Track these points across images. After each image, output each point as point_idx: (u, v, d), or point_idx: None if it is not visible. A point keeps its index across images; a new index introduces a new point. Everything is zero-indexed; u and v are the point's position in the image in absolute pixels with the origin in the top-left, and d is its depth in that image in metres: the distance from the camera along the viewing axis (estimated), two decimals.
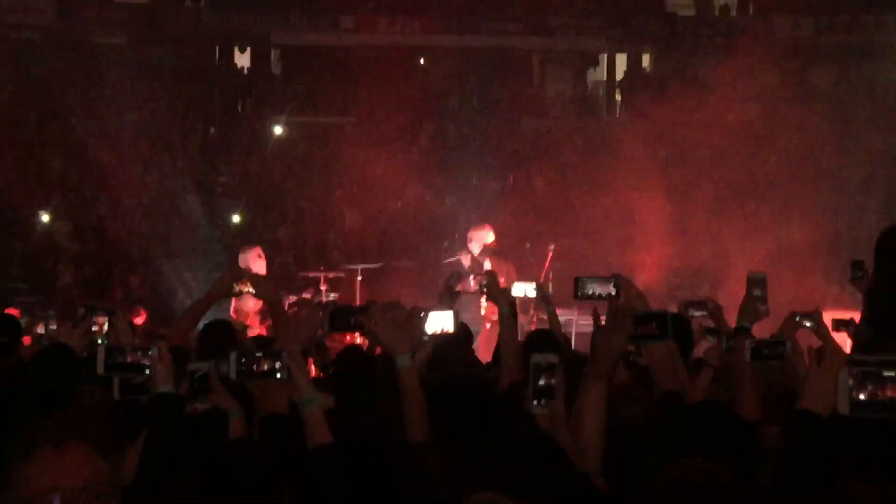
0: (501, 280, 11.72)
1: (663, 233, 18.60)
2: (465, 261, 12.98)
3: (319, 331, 5.35)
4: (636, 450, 4.08)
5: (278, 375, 3.87)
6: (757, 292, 5.37)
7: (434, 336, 5.72)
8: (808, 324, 5.22)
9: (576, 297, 4.68)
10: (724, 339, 5.13)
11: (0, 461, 3.82)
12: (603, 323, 4.13)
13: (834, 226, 20.19)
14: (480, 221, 14.17)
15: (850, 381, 2.78)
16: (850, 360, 3.33)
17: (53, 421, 3.07)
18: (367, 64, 25.95)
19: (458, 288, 5.95)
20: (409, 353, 4.44)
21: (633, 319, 4.09)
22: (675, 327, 4.33)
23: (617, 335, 4.01)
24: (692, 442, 3.71)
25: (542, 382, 3.67)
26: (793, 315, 5.20)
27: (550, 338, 6.49)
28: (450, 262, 13.98)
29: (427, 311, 5.77)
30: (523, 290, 7.90)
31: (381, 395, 4.78)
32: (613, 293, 4.52)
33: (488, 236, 13.02)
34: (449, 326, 5.78)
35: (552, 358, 3.73)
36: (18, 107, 23.09)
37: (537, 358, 3.74)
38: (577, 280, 4.65)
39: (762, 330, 5.33)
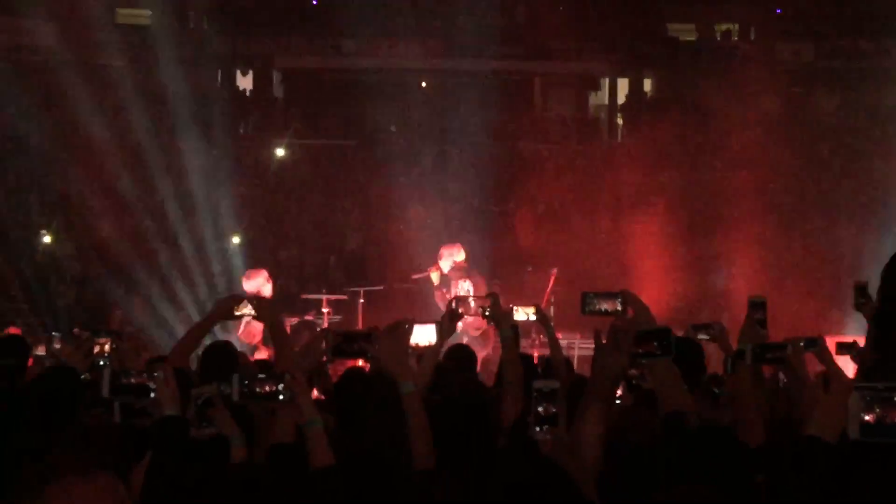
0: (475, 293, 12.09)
1: (665, 256, 18.62)
2: (434, 277, 13.39)
3: (323, 357, 5.34)
4: (640, 474, 4.06)
5: (281, 398, 3.86)
6: (757, 316, 5.37)
7: (431, 355, 5.72)
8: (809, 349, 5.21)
9: (583, 312, 4.66)
10: (728, 362, 5.12)
11: (8, 481, 3.80)
12: (604, 343, 4.10)
13: (836, 250, 20.21)
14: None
15: (860, 404, 2.76)
16: (858, 386, 3.32)
17: (64, 444, 3.06)
18: (368, 87, 26.01)
19: (461, 310, 5.95)
20: (412, 379, 4.43)
21: (635, 338, 4.07)
22: (685, 350, 4.31)
23: (617, 355, 3.98)
24: (693, 466, 3.69)
25: (543, 409, 3.66)
26: (795, 340, 5.19)
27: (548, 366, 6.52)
28: (418, 278, 14.38)
29: (412, 323, 5.78)
30: (525, 314, 7.91)
31: (382, 419, 4.75)
32: (620, 308, 4.50)
33: (459, 254, 13.49)
34: (432, 339, 5.81)
35: (554, 384, 3.71)
36: (20, 128, 23.11)
37: (539, 384, 3.72)
38: (584, 295, 4.63)
39: None
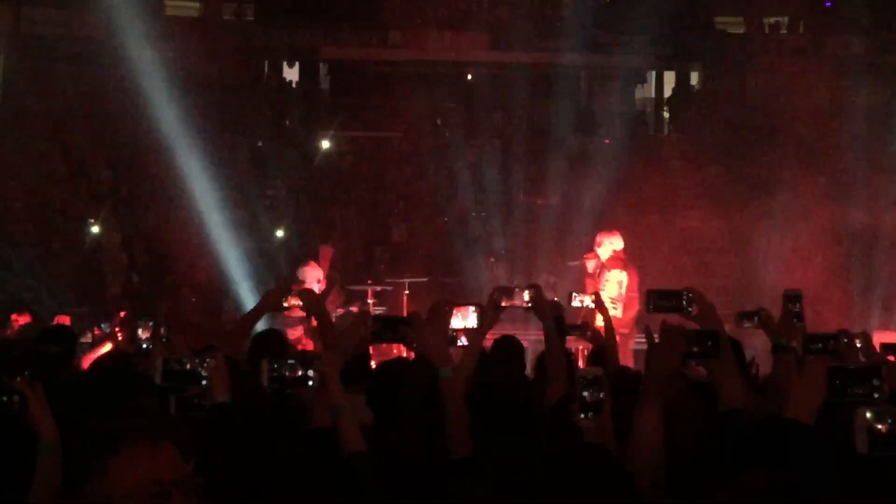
0: (628, 287, 11.83)
1: (713, 250, 18.54)
2: (590, 265, 12.84)
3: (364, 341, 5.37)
4: (693, 467, 4.07)
5: (310, 383, 3.87)
6: (793, 309, 5.37)
7: (473, 346, 5.72)
8: (858, 343, 5.21)
9: (647, 310, 4.67)
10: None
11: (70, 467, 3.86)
12: (656, 342, 4.12)
13: (884, 246, 20.02)
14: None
15: (869, 416, 2.75)
16: (830, 368, 3.35)
17: (125, 425, 3.10)
18: (414, 79, 26.04)
19: (505, 303, 5.92)
20: (451, 364, 4.44)
21: (686, 338, 4.08)
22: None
23: (670, 354, 4.00)
24: (754, 460, 3.69)
25: (587, 395, 3.67)
26: (845, 332, 5.20)
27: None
28: (574, 265, 13.77)
29: (451, 304, 5.77)
30: (579, 300, 7.91)
31: (419, 406, 4.76)
32: (685, 305, 4.50)
33: (618, 242, 12.78)
34: (473, 323, 5.79)
35: (598, 371, 3.74)
36: (69, 120, 23.35)
37: (582, 371, 3.75)
38: (648, 292, 4.64)
39: None
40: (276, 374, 3.86)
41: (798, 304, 5.37)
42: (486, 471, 4.00)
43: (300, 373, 3.86)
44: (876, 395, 3.24)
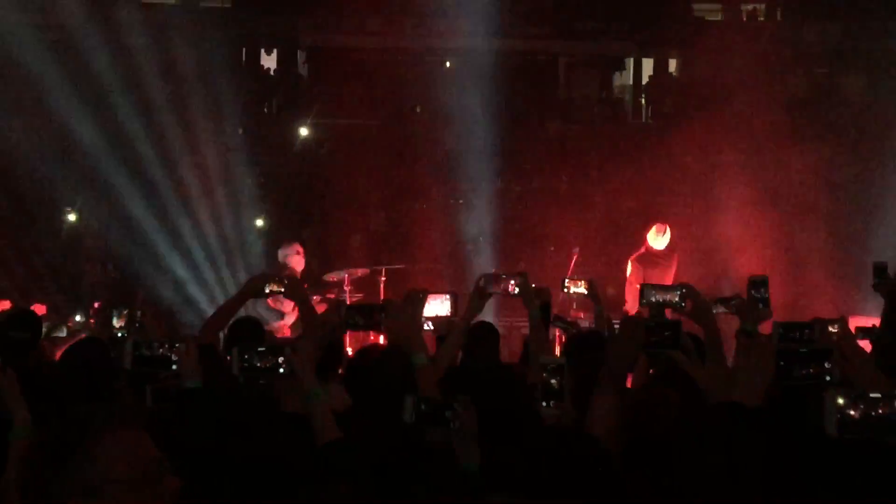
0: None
1: (688, 237, 18.56)
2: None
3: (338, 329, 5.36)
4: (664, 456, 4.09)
5: (281, 370, 3.87)
6: (758, 294, 5.40)
7: (456, 333, 5.72)
8: (831, 329, 5.23)
9: (641, 304, 4.70)
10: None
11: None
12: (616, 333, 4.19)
13: (860, 233, 20.11)
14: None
15: (841, 401, 2.76)
16: (778, 351, 3.38)
17: (103, 410, 3.10)
18: (393, 66, 25.99)
19: (490, 290, 5.94)
20: (424, 350, 4.45)
21: (647, 329, 4.13)
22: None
23: (629, 344, 4.05)
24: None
25: (550, 384, 3.70)
26: (819, 321, 5.22)
27: (598, 338, 6.53)
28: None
29: (425, 293, 5.78)
30: (573, 286, 7.95)
31: (394, 394, 4.76)
32: (678, 300, 4.52)
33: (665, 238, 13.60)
34: (446, 311, 5.81)
35: (560, 360, 3.78)
36: (45, 106, 23.22)
37: (545, 360, 3.77)
38: (643, 287, 4.67)
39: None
40: (246, 362, 3.86)
41: (763, 290, 5.40)
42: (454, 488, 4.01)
43: (271, 361, 3.87)
44: (828, 378, 3.26)
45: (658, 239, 14.12)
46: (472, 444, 3.93)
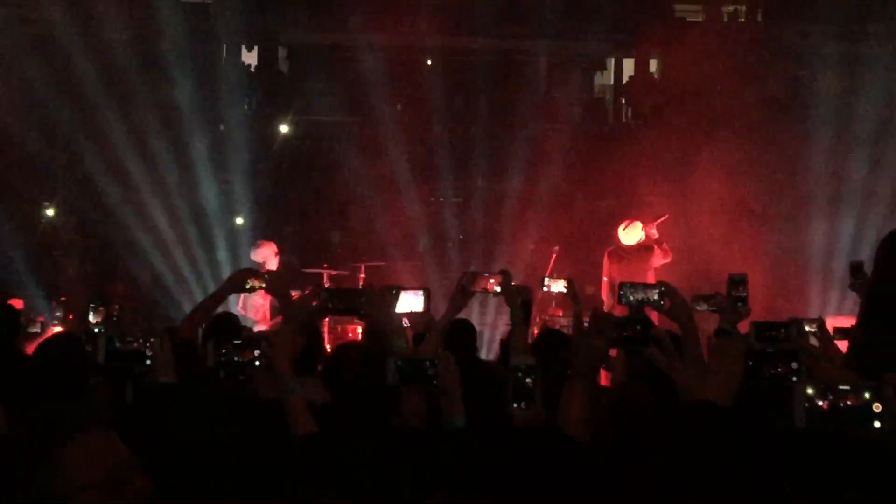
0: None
1: (668, 237, 18.59)
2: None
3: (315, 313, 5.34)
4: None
5: (257, 363, 3.85)
6: (737, 293, 5.41)
7: (437, 330, 5.72)
8: (809, 329, 5.24)
9: (619, 302, 4.71)
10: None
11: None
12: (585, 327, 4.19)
13: (837, 233, 20.21)
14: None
15: (810, 391, 2.77)
16: (748, 352, 3.40)
17: (73, 411, 3.10)
18: (373, 64, 25.95)
19: (473, 289, 5.94)
20: (403, 335, 4.45)
21: (616, 324, 4.15)
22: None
23: (598, 339, 4.07)
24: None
25: (521, 385, 3.71)
26: (795, 321, 5.24)
27: (562, 337, 6.52)
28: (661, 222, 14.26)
29: (399, 289, 5.78)
30: (551, 284, 7.95)
31: (372, 386, 4.75)
32: (656, 298, 4.53)
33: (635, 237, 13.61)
34: (419, 307, 5.81)
35: (530, 360, 3.78)
36: (24, 101, 23.11)
37: (517, 360, 3.78)
38: (621, 285, 4.67)
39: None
40: (223, 356, 3.84)
41: (742, 288, 5.42)
42: (439, 447, 4.01)
43: (247, 354, 3.85)
44: (794, 379, 3.27)
45: (626, 235, 14.14)
46: (457, 399, 3.99)
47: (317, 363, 6.26)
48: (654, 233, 14.45)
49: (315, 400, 4.26)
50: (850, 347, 5.46)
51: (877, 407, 2.71)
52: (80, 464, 2.62)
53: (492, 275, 5.91)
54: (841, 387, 2.75)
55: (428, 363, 3.93)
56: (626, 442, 4.28)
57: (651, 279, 12.55)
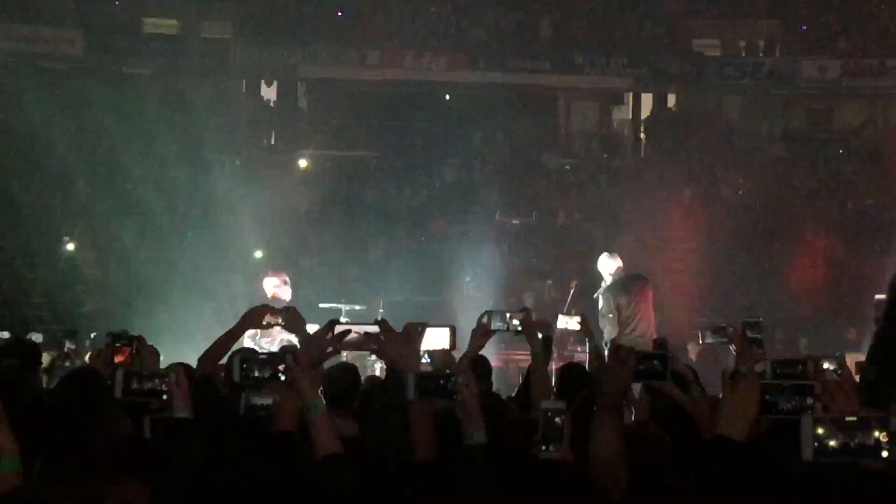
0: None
1: (687, 272, 18.60)
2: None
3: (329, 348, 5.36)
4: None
5: (281, 378, 3.86)
6: (752, 336, 5.43)
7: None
8: (829, 366, 5.21)
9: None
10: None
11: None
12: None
13: (857, 269, 20.10)
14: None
15: (820, 431, 2.77)
16: (763, 387, 3.41)
17: (94, 448, 3.10)
18: (392, 99, 26.08)
19: (493, 327, 5.92)
20: (417, 370, 4.44)
21: (636, 357, 4.16)
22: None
23: (620, 372, 4.07)
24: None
25: (550, 426, 3.71)
26: (811, 358, 5.23)
27: (583, 371, 6.52)
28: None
29: (424, 327, 5.78)
30: (565, 322, 7.90)
31: (386, 412, 4.76)
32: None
33: (614, 264, 12.72)
34: (445, 343, 5.81)
35: (560, 404, 3.79)
36: (45, 135, 23.27)
37: (547, 404, 3.79)
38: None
39: None
40: (247, 372, 3.86)
41: (757, 331, 5.44)
42: (449, 474, 4.00)
43: (270, 370, 3.87)
44: (810, 413, 3.27)
45: (605, 266, 13.24)
46: (476, 414, 3.98)
47: (353, 399, 6.24)
48: None
49: (343, 432, 4.27)
50: (860, 382, 5.45)
51: (884, 437, 2.71)
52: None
53: (513, 313, 5.91)
54: (848, 419, 2.75)
55: (446, 378, 3.96)
56: (644, 480, 4.25)
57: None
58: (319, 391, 4.05)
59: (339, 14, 26.72)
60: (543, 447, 3.70)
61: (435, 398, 4.00)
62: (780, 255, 20.80)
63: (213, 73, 25.39)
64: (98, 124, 22.89)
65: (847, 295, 18.68)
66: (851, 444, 2.73)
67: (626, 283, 12.61)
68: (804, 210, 22.22)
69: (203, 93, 24.90)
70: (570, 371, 6.67)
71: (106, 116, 22.62)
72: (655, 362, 4.20)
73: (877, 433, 2.72)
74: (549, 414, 3.71)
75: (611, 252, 13.12)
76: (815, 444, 2.74)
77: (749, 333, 5.43)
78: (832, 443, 2.74)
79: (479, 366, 7.18)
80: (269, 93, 28.51)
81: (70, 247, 20.94)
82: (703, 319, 17.77)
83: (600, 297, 12.64)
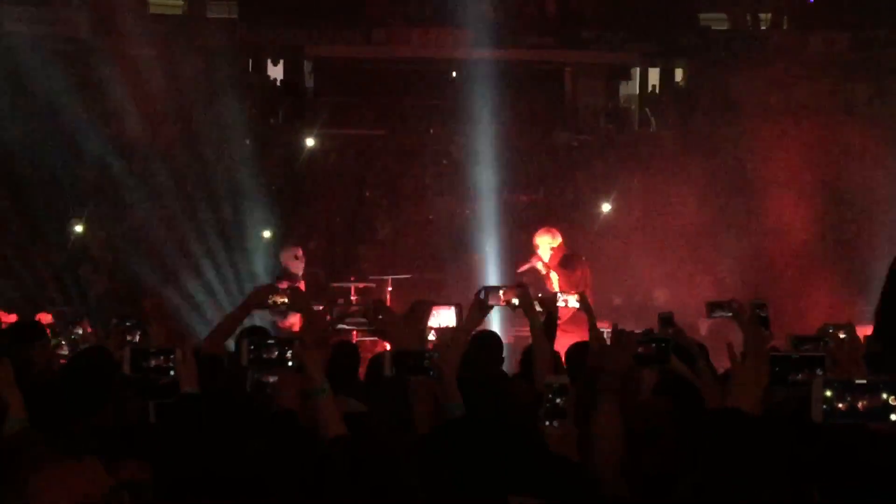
0: (580, 285, 11.50)
1: (697, 246, 18.59)
2: (540, 267, 12.46)
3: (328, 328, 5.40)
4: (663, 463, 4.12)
5: (290, 364, 3.89)
6: (760, 314, 5.45)
7: (456, 345, 5.72)
8: (842, 335, 5.24)
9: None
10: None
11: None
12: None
13: (867, 241, 20.08)
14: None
15: (828, 393, 2.80)
16: (772, 357, 3.43)
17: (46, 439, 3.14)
18: (398, 76, 26.05)
19: (490, 302, 5.92)
20: (417, 347, 4.50)
21: (637, 340, 4.22)
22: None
23: (621, 354, 4.14)
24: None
25: (554, 403, 3.73)
26: (826, 326, 5.26)
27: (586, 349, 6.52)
28: (524, 272, 13.28)
29: (430, 305, 5.81)
30: (563, 300, 7.88)
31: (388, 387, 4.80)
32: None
33: (554, 240, 12.45)
34: (451, 322, 5.84)
35: (564, 379, 3.81)
36: (53, 117, 23.29)
37: (550, 379, 3.81)
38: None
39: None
40: (255, 355, 3.90)
41: (763, 312, 5.47)
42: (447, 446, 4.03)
43: (279, 354, 3.90)
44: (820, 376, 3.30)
45: (544, 241, 12.88)
46: (453, 387, 4.11)
47: (352, 378, 6.27)
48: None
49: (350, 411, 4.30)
50: (865, 355, 5.47)
51: (893, 400, 2.75)
52: (50, 494, 2.59)
53: (510, 288, 5.91)
54: (857, 382, 2.78)
55: (421, 355, 4.09)
56: (652, 454, 4.26)
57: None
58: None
59: None
60: (547, 422, 3.72)
61: (412, 374, 4.14)
62: (790, 229, 20.75)
63: (219, 54, 25.36)
64: (104, 105, 22.90)
65: (859, 268, 18.66)
66: (860, 405, 2.76)
67: (573, 261, 12.36)
68: (813, 185, 22.15)
69: (209, 72, 24.88)
70: (579, 350, 6.67)
71: (112, 97, 22.64)
72: (654, 345, 4.26)
73: (885, 395, 2.75)
74: (552, 389, 3.73)
75: (550, 228, 12.80)
76: (825, 406, 2.78)
77: (756, 314, 5.45)
78: (841, 405, 2.78)
79: (491, 343, 7.19)
80: (275, 72, 28.51)
81: (79, 228, 20.98)
82: (709, 293, 17.85)
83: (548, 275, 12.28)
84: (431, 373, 4.09)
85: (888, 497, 3.21)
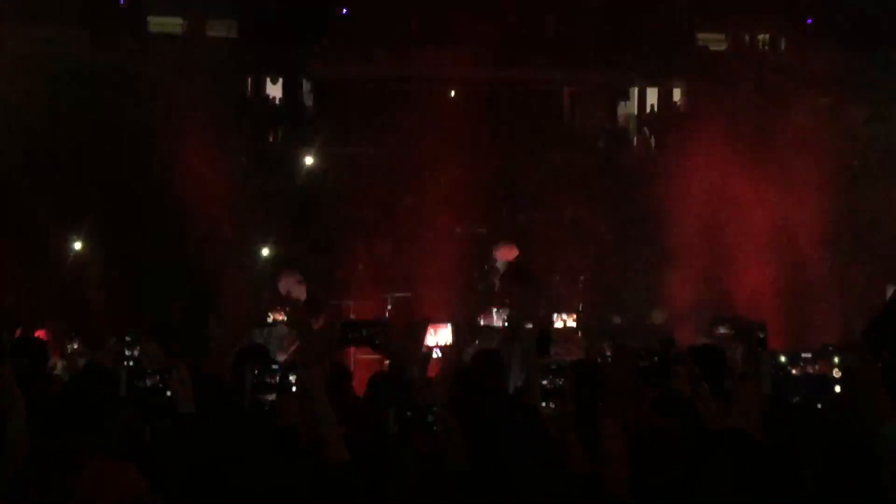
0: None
1: (695, 267, 18.58)
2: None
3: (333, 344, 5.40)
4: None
5: (294, 389, 3.89)
6: (757, 336, 5.48)
7: (447, 364, 5.72)
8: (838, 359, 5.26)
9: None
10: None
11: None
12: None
13: (864, 263, 20.10)
14: (491, 252, 13.90)
15: (783, 359, 2.86)
16: (774, 381, 3.47)
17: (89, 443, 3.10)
18: (397, 96, 26.05)
19: (482, 320, 5.96)
20: (417, 365, 4.50)
21: (636, 355, 4.23)
22: (707, 355, 4.42)
23: (622, 369, 4.14)
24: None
25: (547, 383, 3.72)
26: (826, 347, 5.27)
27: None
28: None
29: (426, 322, 5.82)
30: (562, 321, 7.86)
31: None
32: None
33: (510, 253, 12.60)
34: (448, 339, 5.87)
35: (560, 360, 3.83)
36: (52, 136, 23.30)
37: (538, 360, 3.84)
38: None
39: None
40: (259, 379, 3.89)
41: (762, 332, 5.50)
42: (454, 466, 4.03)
43: (282, 379, 3.90)
44: (818, 406, 3.33)
45: (503, 254, 12.97)
46: (458, 444, 4.02)
47: (345, 396, 6.26)
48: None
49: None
50: (882, 371, 5.52)
51: (836, 373, 2.80)
52: (91, 492, 2.62)
53: (500, 310, 5.95)
54: (804, 355, 2.83)
55: (427, 411, 4.01)
56: (659, 472, 4.25)
57: None
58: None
59: (344, 11, 26.76)
60: (543, 403, 3.71)
61: (417, 433, 4.05)
62: (788, 252, 20.75)
63: (218, 72, 25.38)
64: (103, 124, 22.90)
65: (856, 292, 18.67)
66: (808, 379, 2.82)
67: (528, 275, 12.49)
68: (812, 206, 22.15)
69: (207, 92, 24.89)
70: (584, 368, 6.64)
71: (111, 116, 22.64)
72: (655, 359, 4.27)
73: (830, 369, 2.80)
74: (545, 369, 3.73)
75: (507, 242, 12.98)
76: (777, 377, 2.82)
77: (752, 338, 5.48)
78: (790, 377, 2.83)
79: (492, 362, 7.16)
80: (274, 90, 28.53)
81: (77, 246, 20.97)
82: (710, 312, 17.83)
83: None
84: (436, 429, 4.00)
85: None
